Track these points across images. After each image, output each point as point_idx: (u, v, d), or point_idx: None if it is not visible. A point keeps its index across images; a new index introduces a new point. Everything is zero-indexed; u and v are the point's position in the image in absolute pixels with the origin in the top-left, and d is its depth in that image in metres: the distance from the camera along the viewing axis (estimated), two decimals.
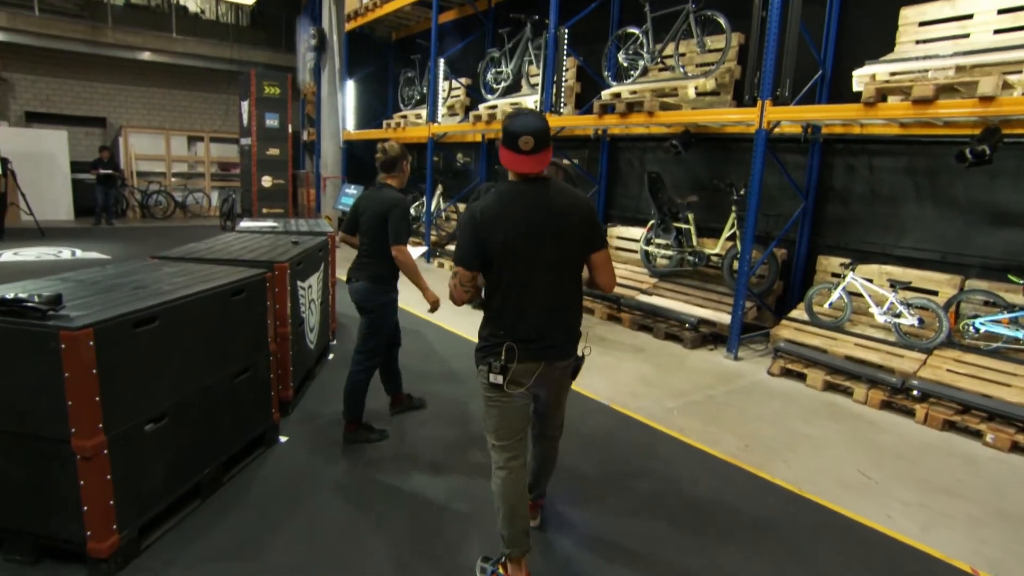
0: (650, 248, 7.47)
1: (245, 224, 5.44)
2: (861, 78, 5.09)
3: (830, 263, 6.22)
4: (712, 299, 6.68)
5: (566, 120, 7.69)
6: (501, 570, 2.47)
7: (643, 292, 7.18)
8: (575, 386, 4.87)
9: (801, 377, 5.42)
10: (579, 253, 2.35)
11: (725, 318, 6.26)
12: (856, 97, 5.16)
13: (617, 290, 7.32)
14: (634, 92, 7.13)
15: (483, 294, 2.39)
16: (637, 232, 8.15)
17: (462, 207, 10.52)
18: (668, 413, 4.50)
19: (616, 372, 5.31)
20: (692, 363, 5.73)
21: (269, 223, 5.64)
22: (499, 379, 2.26)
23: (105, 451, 2.17)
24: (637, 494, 3.33)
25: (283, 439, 3.60)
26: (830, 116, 5.17)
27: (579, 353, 2.50)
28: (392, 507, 3.04)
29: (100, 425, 2.14)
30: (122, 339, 2.23)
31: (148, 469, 2.44)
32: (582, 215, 2.31)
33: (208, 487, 2.86)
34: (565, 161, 6.25)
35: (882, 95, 4.86)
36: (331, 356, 5.17)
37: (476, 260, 2.26)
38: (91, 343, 2.07)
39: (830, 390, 5.21)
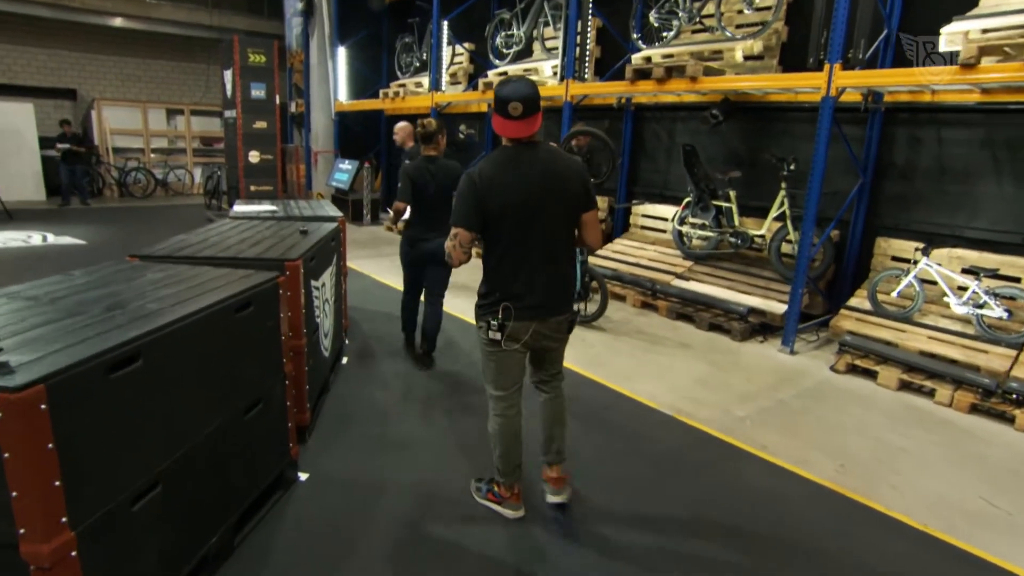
0: (684, 228, 6.83)
1: (239, 208, 4.71)
2: (952, 36, 4.42)
3: (890, 246, 5.63)
4: (758, 285, 6.07)
5: (592, 87, 6.95)
6: (495, 487, 2.77)
7: (678, 276, 6.56)
8: (632, 394, 4.31)
9: (869, 374, 4.85)
10: (572, 213, 2.48)
11: (776, 307, 5.66)
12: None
13: (650, 275, 6.70)
14: (669, 56, 6.41)
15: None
16: (665, 210, 7.51)
17: None
18: (740, 424, 3.91)
19: (669, 373, 4.71)
20: (747, 359, 5.14)
21: (267, 206, 4.91)
22: (497, 336, 2.42)
23: (73, 552, 1.52)
24: (740, 540, 2.74)
25: (303, 476, 2.95)
26: (917, 81, 4.47)
27: (575, 308, 2.69)
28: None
29: (63, 519, 1.49)
30: (91, 393, 1.56)
31: (137, 558, 1.79)
32: (576, 177, 2.45)
33: (216, 558, 2.21)
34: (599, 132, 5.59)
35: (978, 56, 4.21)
36: (345, 360, 4.50)
37: (476, 222, 2.35)
38: (43, 406, 1.40)
39: (905, 389, 4.65)
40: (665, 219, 7.54)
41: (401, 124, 6.16)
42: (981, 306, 4.71)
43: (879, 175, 5.78)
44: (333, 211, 4.87)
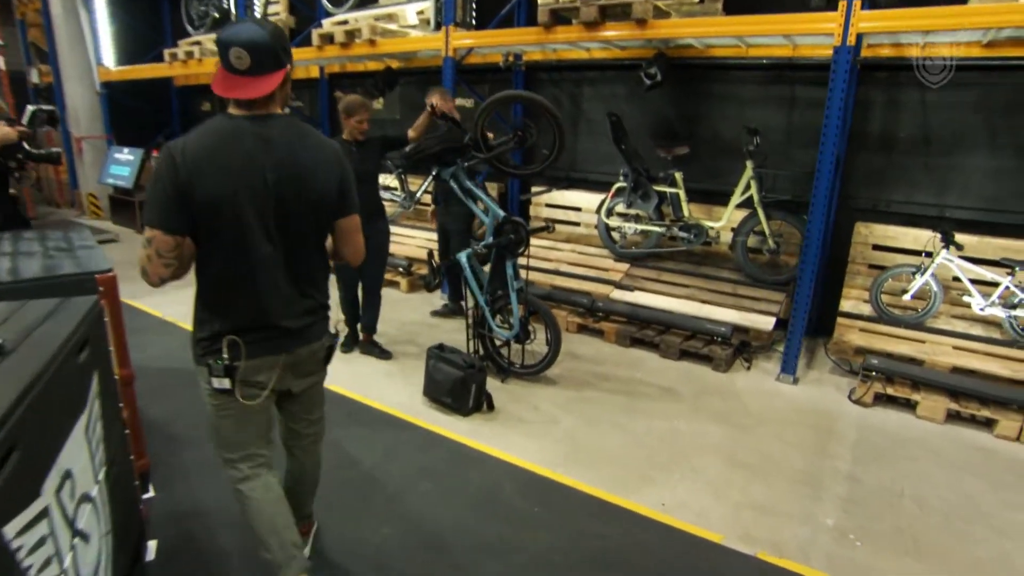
0: (613, 221, 5.37)
1: None
2: None
3: (871, 232, 4.65)
4: (723, 292, 4.82)
5: (485, 36, 5.12)
6: None
7: (617, 286, 5.10)
8: (668, 518, 2.70)
9: (896, 402, 3.83)
10: (322, 215, 1.85)
11: (761, 321, 4.44)
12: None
13: (581, 285, 5.17)
14: None
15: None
16: (577, 197, 6.01)
17: None
18: (845, 545, 2.52)
19: (685, 454, 3.19)
20: (753, 402, 3.83)
21: None
22: (226, 383, 1.76)
23: None
24: None
25: None
26: (1000, 22, 3.28)
27: (331, 330, 2.02)
28: None
29: None
30: None
31: None
32: (328, 166, 1.81)
33: None
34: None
35: None
36: (151, 550, 2.32)
37: (177, 219, 1.64)
38: None
39: (952, 420, 3.66)
40: (578, 209, 6.04)
41: None
42: (1015, 306, 3.84)
43: (852, 147, 4.76)
44: (94, 259, 2.54)
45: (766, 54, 4.83)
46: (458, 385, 3.40)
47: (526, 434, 3.33)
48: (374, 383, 3.91)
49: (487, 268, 3.91)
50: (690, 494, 2.85)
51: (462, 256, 3.89)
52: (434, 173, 4.03)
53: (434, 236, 5.50)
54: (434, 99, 4.40)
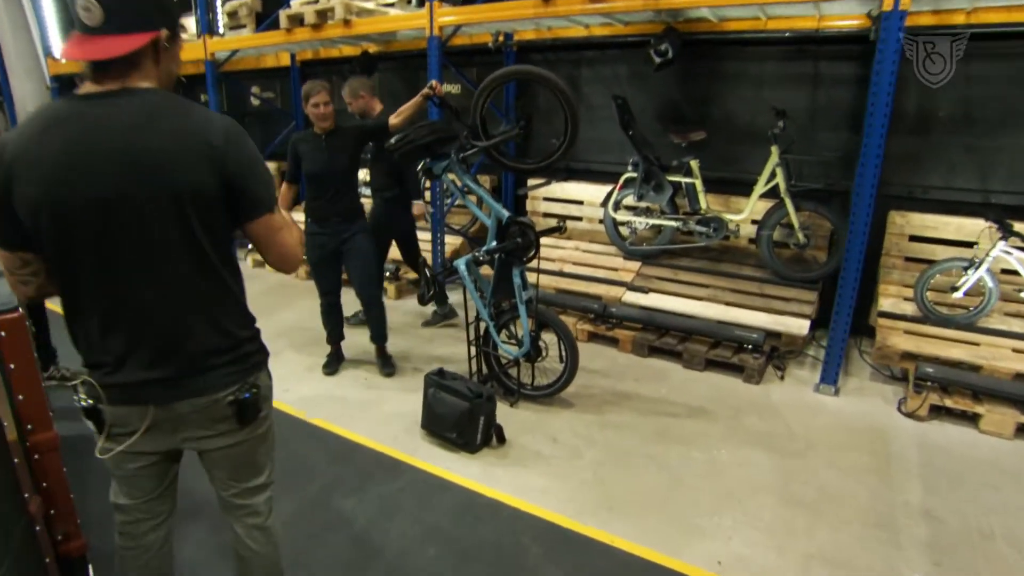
0: (621, 214, 4.88)
1: None
2: None
3: (908, 222, 4.22)
4: (748, 292, 4.35)
5: (473, 11, 4.55)
6: None
7: (630, 287, 4.62)
8: None
9: (950, 412, 3.41)
10: (201, 217, 1.33)
11: (795, 325, 3.99)
12: None
13: (588, 287, 4.69)
14: None
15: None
16: (578, 189, 5.51)
17: (272, 166, 6.82)
18: None
19: (739, 493, 2.71)
20: (801, 421, 3.38)
21: None
22: (90, 426, 1.46)
23: None
24: None
25: None
26: None
27: (251, 379, 1.49)
28: None
29: None
30: None
31: None
32: (203, 151, 1.30)
33: None
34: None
35: None
36: None
37: (8, 231, 1.30)
38: None
39: (1020, 434, 3.26)
40: (580, 202, 5.55)
41: None
42: None
43: (889, 129, 4.31)
44: None
45: (788, 27, 4.36)
46: (464, 418, 2.89)
47: (546, 474, 2.84)
48: (362, 413, 3.38)
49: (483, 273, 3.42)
50: (748, 546, 2.39)
51: (460, 263, 3.38)
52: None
53: (427, 237, 5.00)
54: (344, 92, 4.29)
